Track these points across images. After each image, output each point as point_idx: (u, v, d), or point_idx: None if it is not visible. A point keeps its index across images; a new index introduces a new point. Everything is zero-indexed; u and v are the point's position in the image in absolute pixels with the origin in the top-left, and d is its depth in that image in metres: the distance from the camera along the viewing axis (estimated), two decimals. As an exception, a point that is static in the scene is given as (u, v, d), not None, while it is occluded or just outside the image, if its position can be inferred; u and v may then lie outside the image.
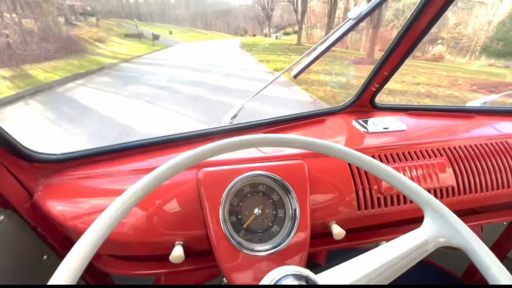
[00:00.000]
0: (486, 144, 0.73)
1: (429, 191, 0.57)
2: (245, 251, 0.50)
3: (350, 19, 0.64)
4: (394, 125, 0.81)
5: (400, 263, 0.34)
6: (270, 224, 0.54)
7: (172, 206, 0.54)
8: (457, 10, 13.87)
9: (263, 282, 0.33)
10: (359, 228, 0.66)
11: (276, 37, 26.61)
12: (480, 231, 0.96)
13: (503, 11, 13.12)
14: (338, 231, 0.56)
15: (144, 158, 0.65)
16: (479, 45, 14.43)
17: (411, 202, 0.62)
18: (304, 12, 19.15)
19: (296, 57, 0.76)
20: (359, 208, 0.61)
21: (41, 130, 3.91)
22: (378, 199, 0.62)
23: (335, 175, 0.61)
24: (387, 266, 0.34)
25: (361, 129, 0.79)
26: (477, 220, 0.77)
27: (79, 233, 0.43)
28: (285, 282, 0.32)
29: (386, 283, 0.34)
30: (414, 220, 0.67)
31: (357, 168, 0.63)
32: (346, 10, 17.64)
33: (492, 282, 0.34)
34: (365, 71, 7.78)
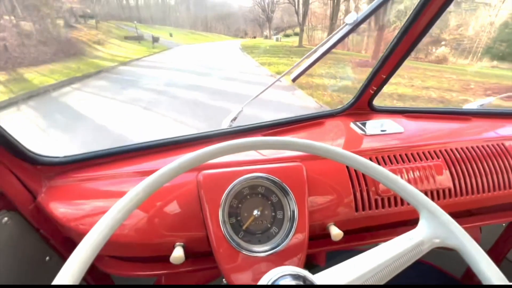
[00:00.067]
0: (482, 146, 0.74)
1: (426, 192, 0.62)
2: (244, 252, 0.51)
3: (346, 24, 0.65)
4: (391, 127, 0.82)
5: (395, 263, 0.35)
6: (269, 225, 0.55)
7: (173, 207, 0.55)
8: (461, 11, 13.62)
9: (261, 282, 0.34)
10: (357, 230, 0.67)
11: (277, 39, 26.43)
12: (478, 233, 0.96)
13: (505, 12, 12.88)
14: (336, 232, 0.57)
15: (145, 160, 0.66)
16: (481, 47, 14.19)
17: (408, 203, 0.61)
18: (305, 14, 19.01)
19: (298, 60, 0.80)
20: (356, 210, 0.62)
21: (28, 139, 3.62)
22: (376, 200, 0.63)
23: (333, 177, 0.62)
24: (383, 266, 0.35)
25: (359, 131, 0.80)
26: (475, 222, 0.77)
27: (81, 235, 0.43)
28: (282, 282, 0.33)
29: (382, 282, 0.35)
30: (411, 221, 0.67)
31: (355, 170, 0.63)
32: (347, 12, 17.45)
33: (485, 282, 0.34)
34: (366, 74, 7.52)
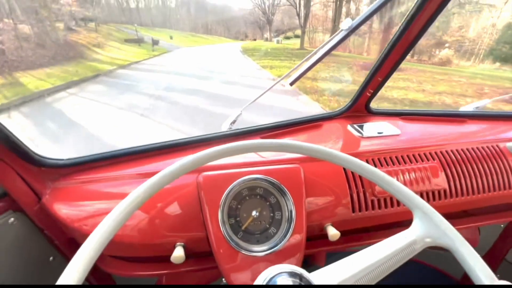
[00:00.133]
0: (477, 148, 0.75)
1: (421, 193, 0.66)
2: (243, 252, 0.52)
3: (342, 30, 0.67)
4: (388, 129, 0.83)
5: (389, 262, 0.37)
6: (268, 226, 0.56)
7: (174, 208, 0.57)
8: (465, 13, 13.40)
9: (259, 279, 0.35)
10: (354, 230, 0.68)
11: (277, 42, 26.28)
12: (477, 234, 0.97)
13: (507, 14, 12.63)
14: (333, 232, 0.58)
15: (146, 162, 0.67)
16: (483, 48, 13.91)
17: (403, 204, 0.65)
18: (307, 16, 18.77)
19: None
20: (353, 211, 0.63)
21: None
22: (372, 201, 0.64)
23: (331, 179, 0.64)
24: (378, 264, 0.36)
25: (356, 133, 0.81)
26: (471, 222, 0.78)
27: (84, 235, 0.48)
28: (279, 279, 0.34)
29: (378, 279, 0.36)
30: (406, 222, 0.67)
31: (352, 171, 0.64)
32: (348, 14, 17.24)
33: (475, 280, 0.35)
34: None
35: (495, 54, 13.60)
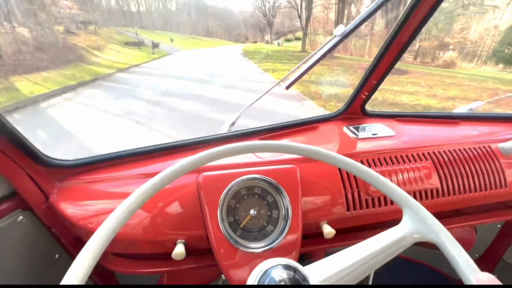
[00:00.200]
0: (469, 149, 0.76)
1: (414, 192, 0.68)
2: (241, 249, 0.54)
3: (335, 36, 0.70)
4: (383, 131, 0.85)
5: (380, 256, 0.39)
6: (265, 224, 0.58)
7: (174, 207, 0.59)
8: (469, 14, 13.14)
9: (255, 271, 0.37)
10: (349, 228, 0.69)
11: (278, 44, 26.12)
12: (474, 234, 0.99)
13: (510, 15, 12.36)
14: (328, 230, 0.60)
15: (148, 163, 0.69)
16: (485, 50, 13.62)
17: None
18: (308, 18, 18.53)
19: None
20: (348, 209, 0.65)
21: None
22: (366, 200, 0.66)
23: (326, 178, 0.66)
24: (369, 257, 0.39)
25: (352, 135, 0.83)
26: (466, 221, 0.80)
27: (89, 233, 0.47)
28: (275, 271, 0.36)
29: (368, 273, 0.39)
30: (399, 220, 0.65)
31: (346, 171, 0.67)
32: (349, 17, 17.02)
33: (458, 272, 0.37)
34: (385, 82, 6.88)
35: (498, 55, 13.37)
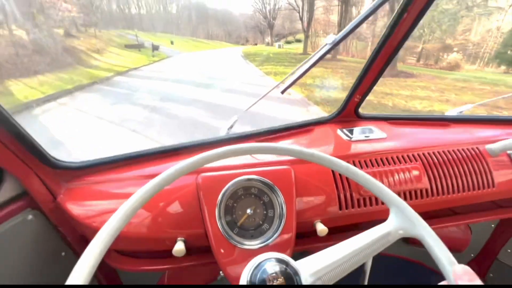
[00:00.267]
0: (458, 150, 0.79)
1: (404, 192, 0.70)
2: (239, 246, 0.56)
3: (326, 44, 0.73)
4: (375, 133, 0.88)
5: (367, 251, 0.42)
6: (261, 222, 0.60)
7: (175, 206, 0.61)
8: (474, 16, 12.90)
9: (250, 263, 0.39)
10: (342, 227, 0.72)
11: (279, 46, 25.96)
12: (469, 233, 1.01)
13: None
14: (321, 228, 0.62)
15: (150, 165, 0.72)
16: (487, 52, 13.35)
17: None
18: (310, 20, 18.27)
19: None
20: (340, 208, 0.68)
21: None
22: (358, 200, 0.69)
23: (319, 179, 0.68)
24: (357, 252, 0.41)
25: (345, 137, 0.85)
26: (458, 220, 0.82)
27: (94, 231, 0.49)
28: (268, 264, 0.38)
29: (358, 265, 0.42)
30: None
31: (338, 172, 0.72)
32: (352, 19, 16.83)
33: (439, 265, 0.40)
34: (389, 86, 6.57)
35: (501, 57, 13.12)
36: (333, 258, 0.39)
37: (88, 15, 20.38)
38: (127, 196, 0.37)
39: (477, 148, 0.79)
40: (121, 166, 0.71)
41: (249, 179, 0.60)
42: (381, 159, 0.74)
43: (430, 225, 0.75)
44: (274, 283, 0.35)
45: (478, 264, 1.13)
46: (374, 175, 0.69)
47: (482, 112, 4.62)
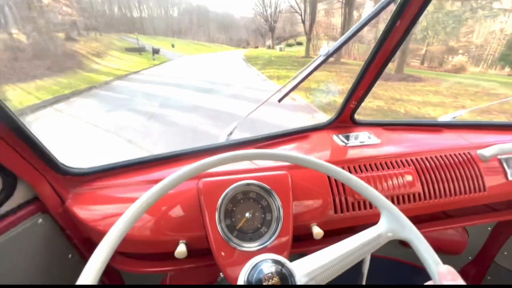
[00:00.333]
0: (450, 155, 0.81)
1: (398, 196, 0.73)
2: (238, 248, 0.59)
3: (321, 55, 0.76)
4: (370, 139, 0.90)
5: (358, 252, 0.44)
6: (260, 225, 0.62)
7: (177, 210, 0.64)
8: (479, 18, 12.65)
9: (248, 264, 0.41)
10: (338, 230, 0.74)
11: (280, 49, 25.79)
12: (466, 236, 1.03)
13: None
14: (317, 231, 0.64)
15: (153, 170, 0.76)
16: (491, 54, 13.09)
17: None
18: (312, 23, 18.00)
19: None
20: (336, 212, 0.70)
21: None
22: (353, 203, 0.71)
23: (315, 184, 0.71)
24: (349, 253, 0.44)
25: (341, 143, 0.87)
26: (453, 224, 0.84)
27: (99, 234, 0.57)
28: (264, 264, 0.40)
29: (350, 266, 0.43)
30: None
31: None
32: (355, 22, 16.63)
33: (425, 265, 0.41)
34: (398, 90, 6.25)
35: (506, 59, 12.87)
36: (326, 259, 0.42)
37: (89, 18, 20.25)
38: (131, 200, 0.39)
39: (468, 153, 0.82)
40: (125, 172, 0.74)
41: (247, 184, 0.62)
42: (376, 164, 0.76)
43: (424, 228, 0.78)
44: (270, 283, 0.38)
45: (475, 266, 1.14)
46: (368, 180, 0.72)
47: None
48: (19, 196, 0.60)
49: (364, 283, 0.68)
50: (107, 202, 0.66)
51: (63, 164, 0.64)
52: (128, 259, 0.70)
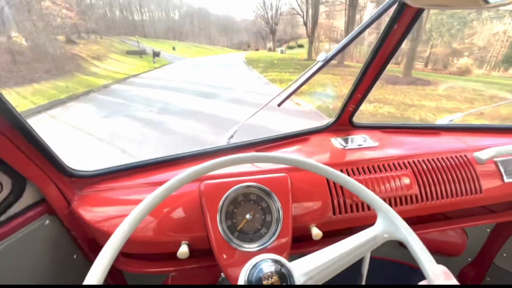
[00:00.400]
0: (447, 158, 0.82)
1: (395, 198, 0.74)
2: (238, 249, 0.60)
3: (319, 61, 0.78)
4: (368, 142, 0.91)
5: (355, 252, 0.45)
6: (260, 227, 0.63)
7: (179, 212, 0.65)
8: (485, 19, 12.39)
9: (248, 264, 0.42)
10: (336, 231, 0.75)
11: (281, 52, 25.60)
12: (465, 238, 1.04)
13: None
14: (316, 232, 0.66)
15: (156, 173, 0.77)
16: (494, 56, 12.85)
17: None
18: (315, 25, 17.78)
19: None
20: (334, 213, 0.71)
21: None
22: (351, 205, 0.72)
23: (314, 186, 0.72)
24: (346, 253, 0.45)
25: (339, 146, 0.89)
26: (451, 225, 0.86)
27: (104, 235, 0.59)
28: (264, 264, 0.41)
29: (347, 266, 0.44)
30: None
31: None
32: (358, 24, 16.44)
33: (420, 266, 0.42)
34: (407, 95, 5.94)
35: (510, 61, 12.63)
36: (324, 259, 0.43)
37: (89, 21, 20.08)
38: (135, 202, 0.41)
39: (465, 155, 0.83)
40: (129, 174, 0.76)
41: (248, 186, 0.64)
42: (373, 167, 0.78)
43: (423, 229, 0.84)
44: (269, 282, 0.39)
45: (475, 268, 1.15)
46: (366, 182, 0.73)
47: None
48: (27, 198, 0.61)
49: (363, 283, 0.67)
50: (111, 204, 0.68)
51: (69, 167, 0.67)
52: (131, 260, 0.72)
